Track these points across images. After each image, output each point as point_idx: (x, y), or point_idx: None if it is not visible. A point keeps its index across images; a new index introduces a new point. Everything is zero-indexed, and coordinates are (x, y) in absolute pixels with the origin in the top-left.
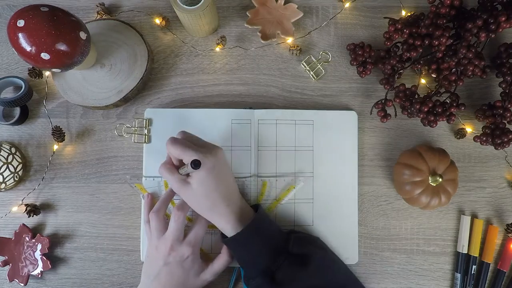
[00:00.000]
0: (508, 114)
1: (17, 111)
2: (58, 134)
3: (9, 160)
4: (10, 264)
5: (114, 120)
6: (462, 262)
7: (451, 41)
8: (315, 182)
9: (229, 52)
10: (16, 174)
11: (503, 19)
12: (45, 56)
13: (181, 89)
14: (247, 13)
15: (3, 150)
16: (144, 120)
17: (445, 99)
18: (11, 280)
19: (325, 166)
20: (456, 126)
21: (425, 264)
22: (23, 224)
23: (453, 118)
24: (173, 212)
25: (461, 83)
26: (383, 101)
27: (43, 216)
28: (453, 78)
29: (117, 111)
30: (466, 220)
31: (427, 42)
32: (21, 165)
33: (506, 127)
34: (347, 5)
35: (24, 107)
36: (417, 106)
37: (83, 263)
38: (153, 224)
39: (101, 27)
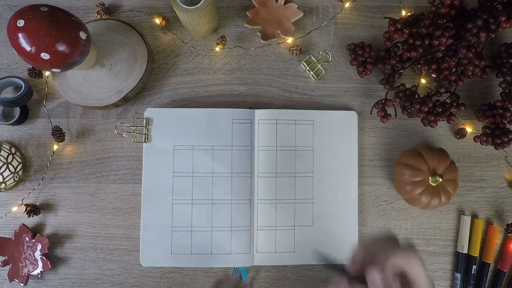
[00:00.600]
0: (508, 114)
1: (17, 111)
2: (58, 134)
3: (9, 160)
4: (10, 264)
5: (114, 120)
6: (462, 262)
7: (451, 41)
8: (315, 182)
9: (229, 52)
10: (16, 174)
11: (503, 19)
12: (45, 56)
13: (181, 89)
14: (247, 13)
15: (3, 150)
16: (144, 120)
17: (445, 99)
18: (11, 280)
19: (325, 166)
20: (456, 126)
21: (425, 264)
22: (23, 224)
23: (453, 118)
24: None
25: (461, 83)
26: (383, 101)
27: (43, 216)
28: (453, 78)
29: (117, 111)
30: (466, 220)
31: (427, 42)
32: (21, 165)
33: (506, 127)
34: (347, 5)
35: (24, 107)
36: (417, 106)
37: (83, 263)
38: None
39: (101, 27)
